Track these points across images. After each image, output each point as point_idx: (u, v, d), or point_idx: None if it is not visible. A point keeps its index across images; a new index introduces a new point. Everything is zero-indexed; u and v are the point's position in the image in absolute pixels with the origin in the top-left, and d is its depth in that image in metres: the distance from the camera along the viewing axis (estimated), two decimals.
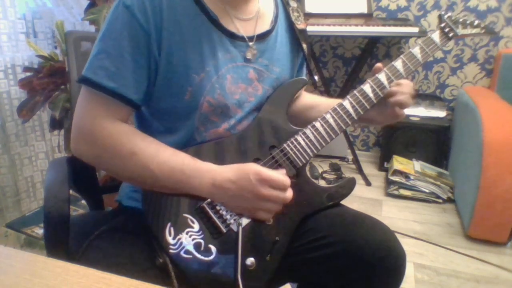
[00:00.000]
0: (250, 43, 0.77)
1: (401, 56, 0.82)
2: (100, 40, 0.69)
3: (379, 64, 0.82)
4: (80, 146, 0.70)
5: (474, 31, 0.89)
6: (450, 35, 0.85)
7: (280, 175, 0.67)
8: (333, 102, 0.85)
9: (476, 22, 0.89)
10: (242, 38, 0.76)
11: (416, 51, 0.83)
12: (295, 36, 0.86)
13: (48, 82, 1.61)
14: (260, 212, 0.69)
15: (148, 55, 0.69)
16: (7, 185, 1.86)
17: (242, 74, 0.77)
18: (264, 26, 0.81)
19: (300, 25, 0.86)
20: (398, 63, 0.81)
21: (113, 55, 0.67)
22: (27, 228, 1.69)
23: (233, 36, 0.75)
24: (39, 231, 1.67)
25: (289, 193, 0.68)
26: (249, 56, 0.77)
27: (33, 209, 1.95)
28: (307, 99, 0.96)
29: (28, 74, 1.67)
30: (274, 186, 0.66)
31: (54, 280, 0.42)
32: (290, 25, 0.86)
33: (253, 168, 0.66)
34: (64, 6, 1.98)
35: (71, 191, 0.78)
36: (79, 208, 1.78)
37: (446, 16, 0.86)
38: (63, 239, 0.69)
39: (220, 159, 0.73)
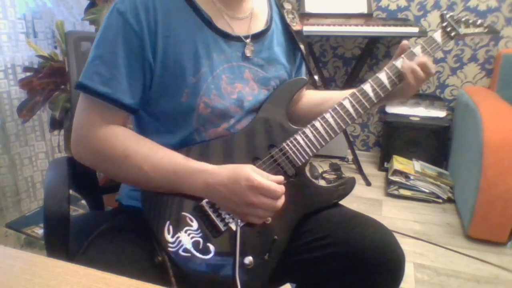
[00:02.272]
0: (247, 40, 0.77)
1: (403, 55, 0.82)
2: (95, 47, 0.70)
3: (405, 42, 0.82)
4: (78, 150, 0.72)
5: (477, 30, 0.88)
6: (452, 34, 0.85)
7: (272, 184, 0.66)
8: (345, 93, 0.82)
9: (479, 21, 0.88)
10: (237, 38, 0.76)
11: (418, 50, 0.82)
12: (291, 37, 0.86)
13: (48, 82, 1.61)
14: (250, 217, 0.69)
15: (143, 59, 0.69)
16: (7, 185, 1.86)
17: (238, 74, 0.77)
18: (259, 26, 0.81)
19: (295, 26, 0.86)
20: (399, 63, 0.81)
21: (107, 61, 0.68)
22: (27, 228, 1.69)
23: (227, 36, 0.76)
24: (39, 231, 1.67)
25: (280, 202, 0.68)
26: (248, 53, 0.77)
27: (33, 209, 1.94)
28: (316, 95, 0.96)
29: (28, 74, 1.67)
30: (265, 194, 0.66)
31: (54, 280, 0.42)
32: (285, 27, 0.86)
33: (246, 174, 0.66)
34: (64, 6, 1.98)
35: (71, 191, 0.78)
36: (79, 208, 1.78)
37: (448, 16, 0.86)
38: (63, 239, 0.69)
39: (219, 159, 0.73)
